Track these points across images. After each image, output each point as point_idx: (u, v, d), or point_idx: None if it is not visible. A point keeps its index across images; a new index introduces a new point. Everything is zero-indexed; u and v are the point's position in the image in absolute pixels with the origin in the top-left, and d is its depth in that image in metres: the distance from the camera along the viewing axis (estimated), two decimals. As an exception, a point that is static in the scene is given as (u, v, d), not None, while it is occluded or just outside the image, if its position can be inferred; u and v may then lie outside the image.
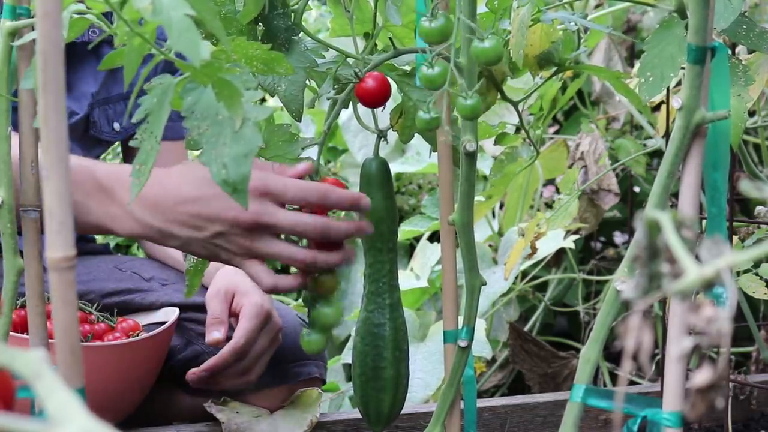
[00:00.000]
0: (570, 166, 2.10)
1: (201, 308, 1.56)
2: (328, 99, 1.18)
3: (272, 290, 1.10)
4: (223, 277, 1.50)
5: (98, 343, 1.40)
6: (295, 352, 1.56)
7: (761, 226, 1.59)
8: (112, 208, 1.12)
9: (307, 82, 1.19)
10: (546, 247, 1.98)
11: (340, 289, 1.21)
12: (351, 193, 1.13)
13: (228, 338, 1.46)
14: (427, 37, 1.05)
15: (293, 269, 1.13)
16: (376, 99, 1.17)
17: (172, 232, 1.09)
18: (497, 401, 1.67)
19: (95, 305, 1.51)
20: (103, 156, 1.78)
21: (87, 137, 1.67)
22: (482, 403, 1.63)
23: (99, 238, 2.63)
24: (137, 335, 1.46)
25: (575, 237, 2.02)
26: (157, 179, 1.02)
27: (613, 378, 2.10)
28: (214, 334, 1.45)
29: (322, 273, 1.14)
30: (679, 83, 1.63)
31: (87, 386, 0.79)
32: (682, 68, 1.04)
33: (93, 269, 1.62)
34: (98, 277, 1.61)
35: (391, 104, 1.26)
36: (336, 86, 1.20)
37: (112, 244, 2.67)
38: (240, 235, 1.07)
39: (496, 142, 1.44)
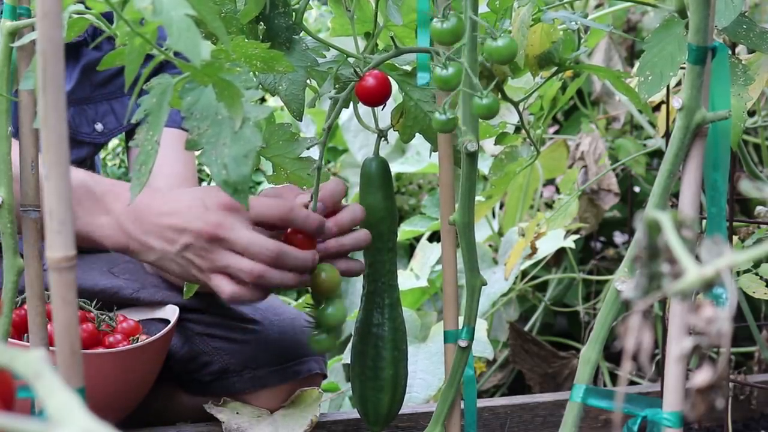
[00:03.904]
0: (570, 166, 2.10)
1: (199, 308, 1.56)
2: (329, 98, 1.18)
3: (232, 300, 1.18)
4: None
5: (100, 350, 1.40)
6: (293, 351, 1.56)
7: (761, 226, 1.59)
8: (101, 217, 1.20)
9: (308, 81, 1.19)
10: (546, 247, 1.98)
11: (341, 290, 1.23)
12: (316, 217, 1.18)
13: None
14: (439, 38, 1.05)
15: None
16: (376, 98, 1.17)
17: (150, 243, 1.18)
18: (497, 401, 1.67)
19: (93, 302, 1.50)
20: (102, 157, 1.76)
21: None
22: (482, 403, 1.63)
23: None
24: (137, 339, 1.46)
25: (575, 237, 2.02)
26: (149, 193, 1.08)
27: (613, 378, 2.10)
28: None
29: (319, 274, 1.16)
30: (679, 83, 1.63)
31: (87, 390, 0.79)
32: (682, 68, 1.04)
33: (87, 268, 1.62)
34: (91, 275, 1.60)
35: (391, 104, 1.26)
36: (337, 86, 1.20)
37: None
38: (201, 248, 1.15)
39: (496, 142, 1.44)
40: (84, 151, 1.66)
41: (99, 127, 1.65)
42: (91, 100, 1.64)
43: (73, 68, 1.61)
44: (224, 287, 1.17)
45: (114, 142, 2.86)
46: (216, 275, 1.17)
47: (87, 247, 1.25)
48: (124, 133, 1.73)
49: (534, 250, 1.89)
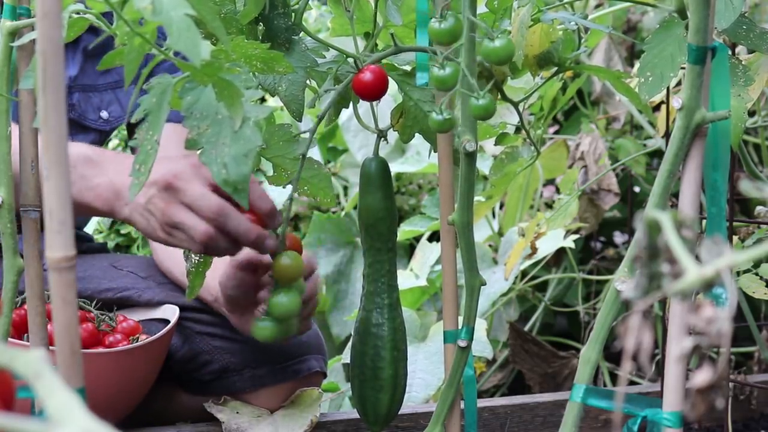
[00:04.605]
0: (570, 166, 2.10)
1: (199, 308, 1.56)
2: (325, 91, 1.18)
3: (206, 242, 1.15)
4: None
5: (100, 350, 1.40)
6: (293, 350, 1.56)
7: (761, 226, 1.59)
8: (96, 179, 1.22)
9: (308, 81, 1.19)
10: (546, 247, 1.98)
11: (301, 283, 1.19)
12: (271, 200, 1.18)
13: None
14: (436, 38, 1.05)
15: None
16: (372, 91, 1.17)
17: (126, 195, 1.19)
18: (497, 401, 1.67)
19: (93, 303, 1.51)
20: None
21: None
22: (482, 403, 1.63)
23: (98, 238, 2.63)
24: (137, 338, 1.46)
25: (575, 237, 2.02)
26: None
27: (613, 378, 2.10)
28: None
29: (282, 260, 1.14)
30: (679, 83, 1.63)
31: (87, 390, 0.79)
32: (682, 68, 1.04)
33: (88, 268, 1.62)
34: (93, 275, 1.61)
35: (391, 104, 1.26)
36: (336, 86, 1.20)
37: (111, 245, 2.67)
38: (161, 198, 1.16)
39: (496, 143, 1.44)
40: (90, 137, 1.67)
41: (104, 114, 1.66)
42: (97, 89, 1.65)
43: (74, 52, 1.62)
44: (186, 244, 1.18)
45: (114, 143, 2.86)
46: (175, 231, 1.17)
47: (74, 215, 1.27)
48: (126, 132, 1.74)
49: (534, 250, 1.89)
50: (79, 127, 1.64)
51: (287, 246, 1.17)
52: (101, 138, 1.71)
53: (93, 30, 1.56)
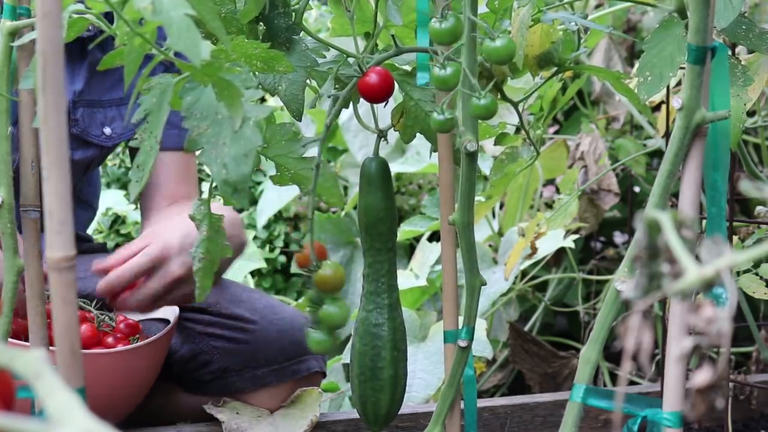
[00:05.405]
0: (570, 166, 2.10)
1: (199, 308, 1.56)
2: (329, 96, 1.18)
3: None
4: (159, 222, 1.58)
5: (100, 350, 1.40)
6: (292, 350, 1.56)
7: (761, 226, 1.59)
8: None
9: (308, 81, 1.18)
10: (546, 247, 1.98)
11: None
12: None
13: None
14: (437, 37, 1.05)
15: None
16: (379, 94, 1.17)
17: None
18: (497, 401, 1.67)
19: (93, 302, 1.51)
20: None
21: (68, 135, 1.64)
22: (482, 403, 1.63)
23: (98, 238, 2.63)
24: (137, 338, 1.46)
25: (575, 237, 2.02)
26: None
27: (613, 378, 2.10)
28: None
29: (324, 271, 1.14)
30: (679, 83, 1.63)
31: (87, 390, 0.79)
32: (681, 68, 1.04)
33: (89, 267, 1.62)
34: (94, 274, 1.61)
35: (391, 104, 1.26)
36: (337, 86, 1.19)
37: (111, 245, 2.67)
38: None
39: (496, 143, 1.44)
40: (90, 152, 1.66)
41: (107, 130, 1.66)
42: (101, 105, 1.65)
43: (80, 65, 1.62)
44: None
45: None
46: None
47: None
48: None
49: (534, 250, 1.89)
50: (80, 142, 1.64)
51: (317, 254, 1.17)
52: (102, 153, 1.70)
53: (101, 46, 1.57)
